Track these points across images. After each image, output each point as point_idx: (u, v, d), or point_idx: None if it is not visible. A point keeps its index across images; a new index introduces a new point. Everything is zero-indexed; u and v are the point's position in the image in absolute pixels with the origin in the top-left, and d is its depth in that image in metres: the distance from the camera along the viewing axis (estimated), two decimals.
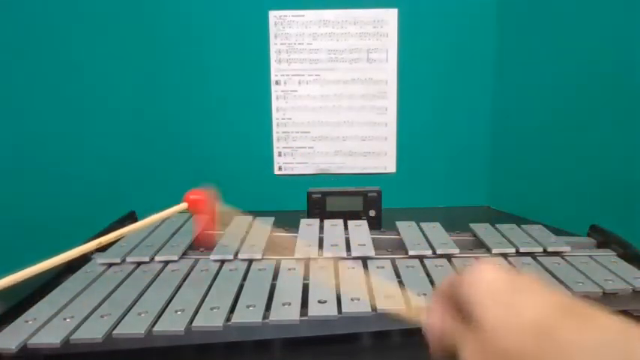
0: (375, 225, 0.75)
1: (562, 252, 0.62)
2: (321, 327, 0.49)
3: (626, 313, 0.54)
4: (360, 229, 0.69)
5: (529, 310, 0.25)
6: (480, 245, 0.66)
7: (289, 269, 0.57)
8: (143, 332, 0.43)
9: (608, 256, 0.62)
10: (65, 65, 0.84)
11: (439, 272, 0.56)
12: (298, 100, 0.77)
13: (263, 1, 0.78)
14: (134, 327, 0.44)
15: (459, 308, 0.29)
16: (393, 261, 0.59)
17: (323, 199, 0.78)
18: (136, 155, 0.95)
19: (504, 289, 0.27)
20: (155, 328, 0.44)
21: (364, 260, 0.59)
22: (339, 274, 0.55)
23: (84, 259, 0.60)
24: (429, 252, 0.61)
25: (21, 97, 0.80)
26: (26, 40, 0.80)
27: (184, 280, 0.54)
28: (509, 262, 0.60)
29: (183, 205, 0.49)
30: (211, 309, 0.47)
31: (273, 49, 0.76)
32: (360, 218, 0.75)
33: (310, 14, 0.75)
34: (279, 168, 0.80)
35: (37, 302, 0.48)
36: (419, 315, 0.33)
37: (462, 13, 0.96)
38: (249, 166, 0.95)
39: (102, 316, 0.46)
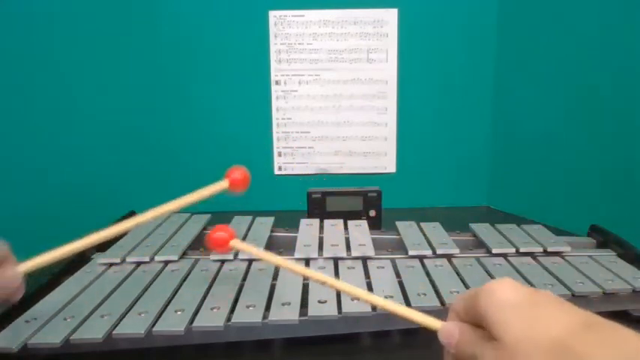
0: (375, 225, 0.75)
1: (562, 252, 0.62)
2: (321, 327, 0.49)
3: (626, 313, 0.54)
4: (360, 229, 0.69)
5: (551, 325, 0.25)
6: (480, 245, 0.66)
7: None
8: (143, 332, 0.43)
9: (608, 256, 0.62)
10: (65, 65, 0.84)
11: (439, 272, 0.56)
12: (298, 100, 0.77)
13: (263, 1, 0.78)
14: (134, 327, 0.44)
15: (477, 323, 0.28)
16: (393, 261, 0.59)
17: (323, 199, 0.78)
18: (135, 155, 0.95)
19: (524, 304, 0.26)
20: (155, 328, 0.44)
21: (364, 260, 0.59)
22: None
23: (84, 259, 0.60)
24: (429, 252, 0.61)
25: (21, 96, 0.80)
26: (27, 39, 0.80)
27: (184, 280, 0.54)
28: (509, 262, 0.60)
29: (223, 184, 0.46)
30: (211, 309, 0.47)
31: (273, 49, 0.76)
32: (360, 218, 0.75)
33: (310, 14, 0.75)
34: (279, 168, 0.80)
35: (37, 302, 0.48)
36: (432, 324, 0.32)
37: (462, 13, 0.96)
38: (249, 166, 0.95)
39: (102, 316, 0.46)
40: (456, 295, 0.31)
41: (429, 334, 0.51)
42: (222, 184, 0.46)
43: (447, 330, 0.31)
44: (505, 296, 0.27)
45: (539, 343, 0.24)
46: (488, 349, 0.26)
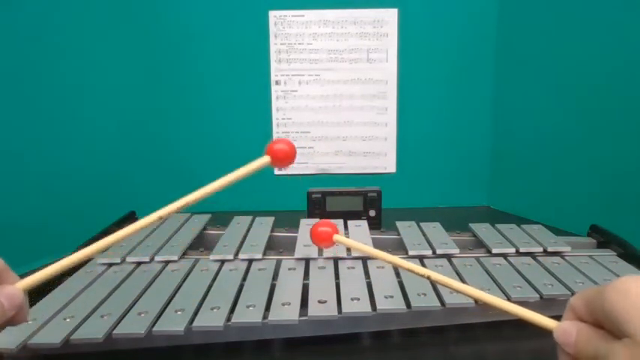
0: (375, 225, 0.75)
1: (562, 252, 0.62)
2: (321, 327, 0.49)
3: None
4: (360, 229, 0.69)
5: None
6: (480, 245, 0.66)
7: (289, 269, 0.57)
8: (143, 332, 0.43)
9: (608, 256, 0.62)
10: (65, 65, 0.84)
11: (439, 272, 0.56)
12: (298, 100, 0.77)
13: (263, 1, 0.78)
14: (134, 327, 0.44)
15: (599, 323, 0.28)
16: None
17: (323, 199, 0.78)
18: (135, 155, 0.95)
19: None
20: (155, 328, 0.44)
21: (364, 260, 0.59)
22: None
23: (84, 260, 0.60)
24: (429, 252, 0.61)
25: (21, 97, 0.80)
26: (27, 39, 0.80)
27: (184, 280, 0.54)
28: (509, 262, 0.60)
29: (265, 159, 0.41)
30: (211, 309, 0.47)
31: (273, 49, 0.76)
32: (360, 218, 0.75)
33: (310, 14, 0.75)
34: (280, 168, 0.80)
35: (37, 302, 0.48)
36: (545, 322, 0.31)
37: (462, 13, 0.96)
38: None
39: (102, 316, 0.46)
40: (576, 294, 0.30)
41: (429, 335, 0.52)
42: (264, 160, 0.41)
43: (564, 329, 0.29)
44: (637, 294, 0.26)
45: None
46: (618, 346, 0.26)
